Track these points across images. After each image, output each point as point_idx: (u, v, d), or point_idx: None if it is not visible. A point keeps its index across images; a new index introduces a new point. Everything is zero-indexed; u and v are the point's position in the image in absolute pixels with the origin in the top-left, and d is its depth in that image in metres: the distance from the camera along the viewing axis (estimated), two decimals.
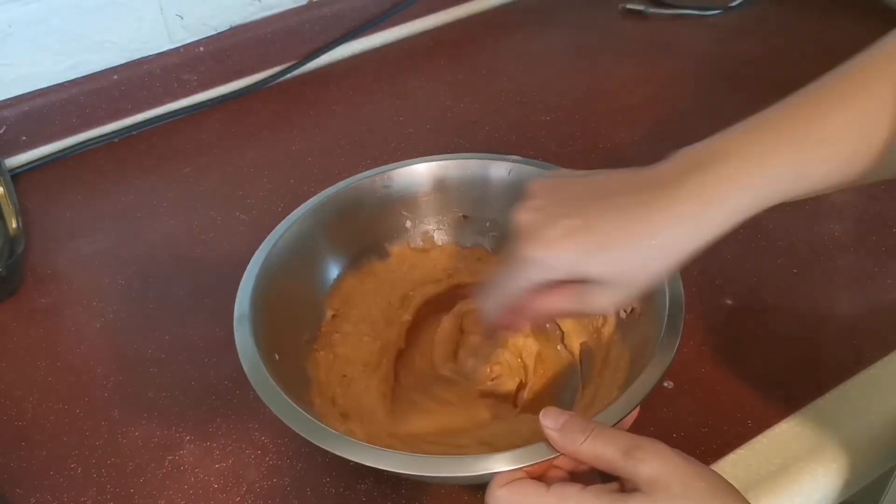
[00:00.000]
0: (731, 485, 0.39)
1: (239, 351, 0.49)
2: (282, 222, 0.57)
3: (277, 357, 0.51)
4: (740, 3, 0.95)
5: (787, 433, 0.53)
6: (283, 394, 0.46)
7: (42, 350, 0.62)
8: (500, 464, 0.42)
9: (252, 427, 0.56)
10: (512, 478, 0.41)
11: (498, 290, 0.45)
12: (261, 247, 0.55)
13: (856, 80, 0.41)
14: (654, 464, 0.38)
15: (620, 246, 0.40)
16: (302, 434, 0.44)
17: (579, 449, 0.40)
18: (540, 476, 0.42)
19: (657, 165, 0.42)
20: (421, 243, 0.62)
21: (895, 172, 0.41)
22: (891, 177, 0.41)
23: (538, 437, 0.42)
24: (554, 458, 0.42)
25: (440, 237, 0.63)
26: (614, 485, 0.40)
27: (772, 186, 0.42)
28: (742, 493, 0.38)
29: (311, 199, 0.59)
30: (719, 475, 0.39)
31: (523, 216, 0.43)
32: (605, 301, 0.43)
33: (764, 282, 0.63)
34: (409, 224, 0.62)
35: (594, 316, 0.55)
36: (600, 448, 0.40)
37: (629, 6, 0.98)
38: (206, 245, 0.70)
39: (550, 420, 0.41)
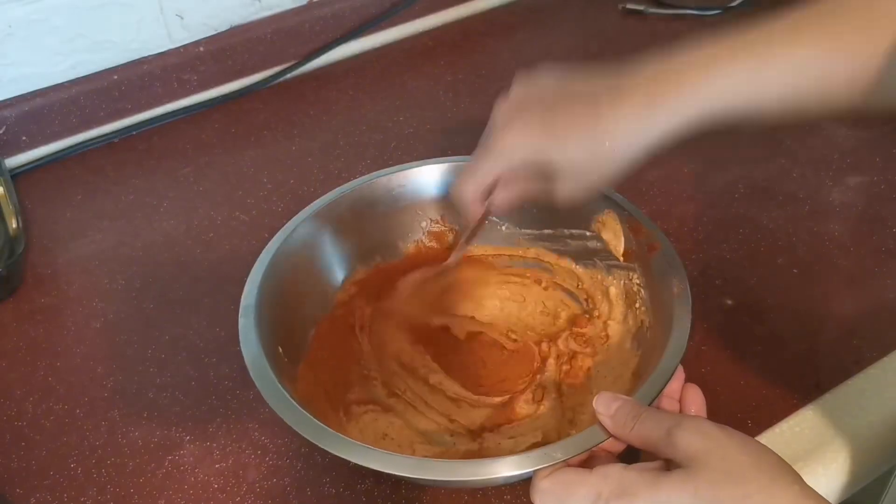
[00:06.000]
0: (777, 457, 0.39)
1: (241, 342, 0.49)
2: (293, 218, 0.57)
3: (281, 350, 0.51)
4: (740, 3, 0.95)
5: (787, 433, 0.53)
6: (282, 389, 0.46)
7: (42, 350, 0.62)
8: (501, 468, 0.42)
9: (252, 427, 0.56)
10: (553, 469, 0.41)
11: (470, 178, 0.50)
12: (271, 241, 0.55)
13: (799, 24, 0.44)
14: (694, 441, 0.38)
15: (572, 138, 0.46)
16: (299, 431, 0.44)
17: (629, 434, 0.41)
18: (582, 463, 0.43)
19: (622, 73, 0.46)
20: (435, 244, 0.62)
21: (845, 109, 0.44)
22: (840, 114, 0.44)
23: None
24: (569, 458, 0.42)
25: (453, 238, 0.63)
26: (658, 463, 0.40)
27: (717, 94, 0.44)
28: None
29: (323, 197, 0.59)
30: (767, 448, 0.39)
31: (500, 110, 0.48)
32: (564, 191, 0.48)
33: (764, 282, 0.63)
34: (424, 224, 0.62)
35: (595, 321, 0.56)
36: (646, 430, 0.41)
37: (629, 6, 0.98)
38: (206, 245, 0.70)
39: (603, 406, 0.43)
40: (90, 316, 0.65)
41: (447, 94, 0.87)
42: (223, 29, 0.86)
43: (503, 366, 0.58)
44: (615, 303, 0.57)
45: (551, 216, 0.60)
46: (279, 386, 0.46)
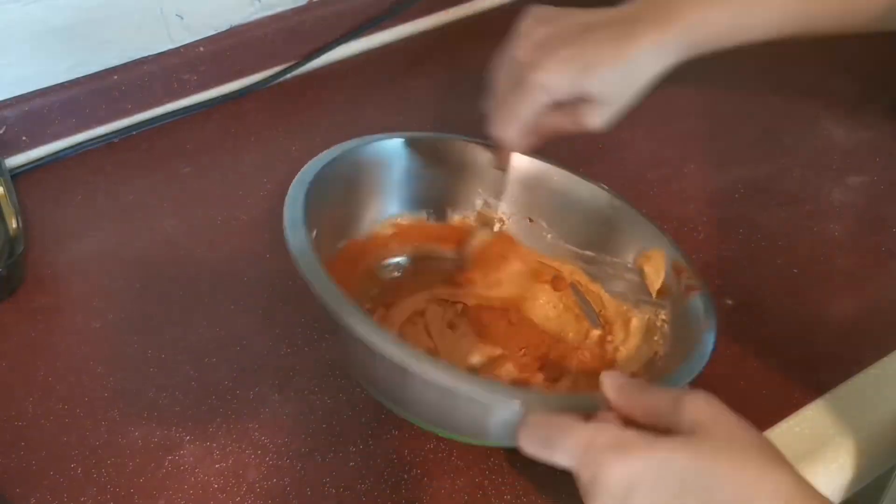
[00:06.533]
0: (775, 447, 0.38)
1: (287, 204, 0.50)
2: (381, 134, 0.59)
3: (315, 233, 0.51)
4: None
5: (786, 433, 0.53)
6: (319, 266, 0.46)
7: (42, 350, 0.62)
8: (491, 394, 0.42)
9: (252, 427, 0.56)
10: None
11: (512, 115, 0.54)
12: (351, 141, 0.57)
13: None
14: (702, 408, 0.38)
15: (606, 67, 0.52)
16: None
17: (635, 404, 0.40)
18: None
19: (627, 4, 0.54)
20: (479, 226, 0.63)
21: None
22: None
23: None
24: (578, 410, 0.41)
25: (498, 227, 0.63)
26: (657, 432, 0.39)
27: (723, 22, 0.54)
28: None
29: (414, 132, 0.60)
30: (768, 438, 0.39)
31: (522, 48, 0.54)
32: (599, 118, 0.54)
33: (764, 282, 0.63)
34: (479, 202, 0.62)
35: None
36: (654, 399, 0.40)
37: None
38: (206, 245, 0.70)
39: (610, 379, 0.42)
40: (90, 316, 0.65)
41: (447, 94, 0.87)
42: (223, 29, 0.86)
43: (503, 337, 0.58)
44: (632, 333, 0.57)
45: (598, 238, 0.60)
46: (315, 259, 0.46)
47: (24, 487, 0.53)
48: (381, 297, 0.59)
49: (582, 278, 0.61)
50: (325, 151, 0.56)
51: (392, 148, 0.60)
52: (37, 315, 0.65)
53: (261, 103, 0.87)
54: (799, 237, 0.67)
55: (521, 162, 0.61)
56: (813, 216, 0.68)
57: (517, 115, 0.54)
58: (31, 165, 0.80)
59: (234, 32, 0.86)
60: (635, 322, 0.57)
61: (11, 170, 0.78)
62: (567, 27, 0.53)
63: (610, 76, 0.53)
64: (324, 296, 0.44)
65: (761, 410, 0.54)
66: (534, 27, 0.55)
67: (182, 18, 0.83)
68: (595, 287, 0.60)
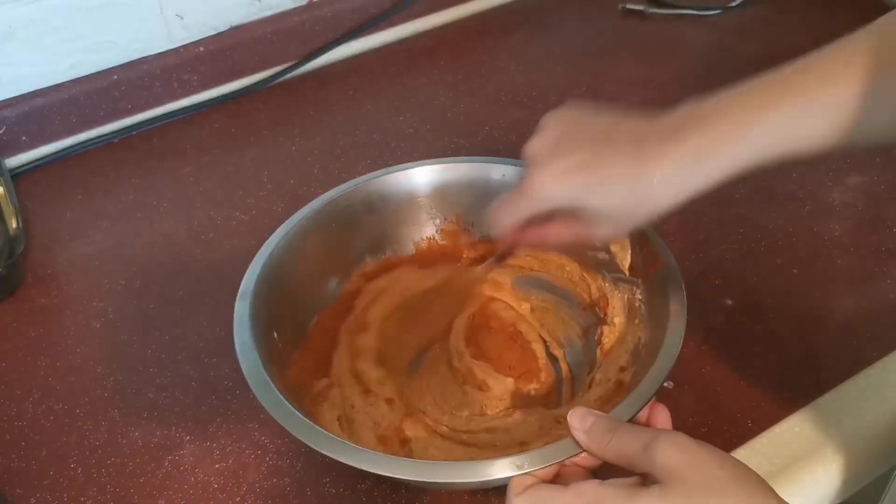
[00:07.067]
0: (754, 472, 0.38)
1: (235, 327, 0.49)
2: (303, 207, 0.57)
3: (276, 336, 0.51)
4: (740, 3, 0.96)
5: (787, 433, 0.53)
6: (269, 379, 0.46)
7: (42, 350, 0.62)
8: (497, 470, 0.41)
9: (252, 427, 0.56)
10: (527, 484, 0.41)
11: (507, 211, 0.49)
12: (279, 228, 0.56)
13: (836, 61, 0.43)
14: (672, 454, 0.38)
15: (614, 185, 0.44)
16: (281, 423, 0.45)
17: (605, 449, 0.41)
18: (554, 477, 0.43)
19: (663, 116, 0.45)
20: (447, 242, 0.62)
21: (871, 143, 0.43)
22: (867, 146, 0.44)
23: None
24: (559, 462, 0.42)
25: (465, 239, 0.62)
26: (634, 478, 0.40)
27: (761, 145, 0.43)
28: None
29: (336, 188, 0.59)
30: (742, 464, 0.39)
31: (535, 146, 0.47)
32: (600, 234, 0.47)
33: (764, 282, 0.63)
34: (437, 221, 0.62)
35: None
36: (623, 445, 0.40)
37: (629, 6, 0.98)
38: (206, 245, 0.70)
39: (578, 420, 0.42)
40: (90, 316, 0.65)
41: (447, 94, 0.87)
42: (223, 29, 0.86)
43: (508, 352, 0.58)
44: (617, 313, 0.57)
45: None
46: (267, 377, 0.47)
47: (24, 487, 0.53)
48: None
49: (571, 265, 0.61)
50: (259, 253, 0.54)
51: (325, 216, 0.58)
52: (37, 315, 0.65)
53: (261, 103, 0.87)
54: (799, 237, 0.67)
55: (463, 168, 0.60)
56: (813, 216, 0.68)
57: (512, 214, 0.49)
58: (31, 165, 0.80)
59: (234, 32, 0.86)
60: (618, 303, 0.57)
61: (11, 170, 0.78)
62: (588, 130, 0.47)
63: (616, 197, 0.45)
64: (295, 433, 0.45)
65: (761, 410, 0.54)
66: (555, 124, 0.48)
67: (182, 18, 0.83)
68: (576, 268, 0.60)
